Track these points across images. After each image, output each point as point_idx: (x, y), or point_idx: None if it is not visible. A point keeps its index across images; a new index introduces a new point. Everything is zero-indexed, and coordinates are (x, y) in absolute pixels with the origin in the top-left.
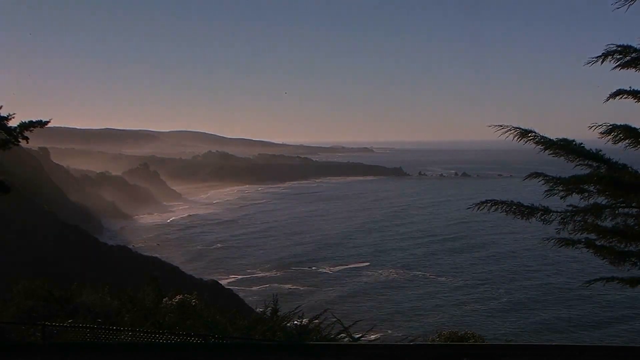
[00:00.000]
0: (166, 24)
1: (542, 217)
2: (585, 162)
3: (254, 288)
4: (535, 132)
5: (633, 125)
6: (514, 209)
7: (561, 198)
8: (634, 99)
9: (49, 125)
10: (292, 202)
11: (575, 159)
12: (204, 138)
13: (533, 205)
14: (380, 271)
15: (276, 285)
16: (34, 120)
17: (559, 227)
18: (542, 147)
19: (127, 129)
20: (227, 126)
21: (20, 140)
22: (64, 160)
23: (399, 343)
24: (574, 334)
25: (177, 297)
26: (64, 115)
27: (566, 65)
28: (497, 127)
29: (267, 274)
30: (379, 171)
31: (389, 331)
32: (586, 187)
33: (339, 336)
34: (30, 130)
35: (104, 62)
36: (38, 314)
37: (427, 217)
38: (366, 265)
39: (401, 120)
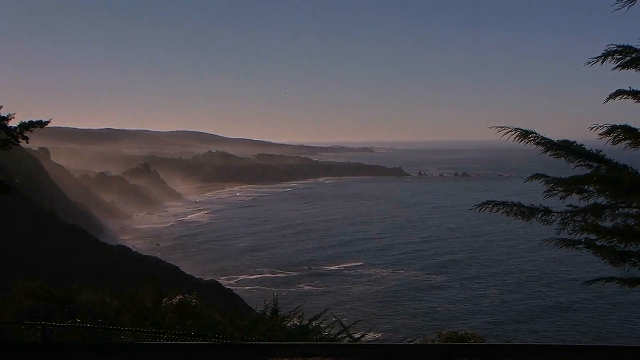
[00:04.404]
0: (166, 24)
1: (543, 218)
2: (586, 163)
3: (254, 288)
4: (535, 133)
5: (633, 126)
6: (515, 209)
7: (561, 198)
8: (634, 99)
9: (49, 125)
10: (293, 202)
11: (576, 159)
12: (204, 138)
13: (533, 205)
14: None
15: (276, 285)
16: (34, 120)
17: (559, 227)
18: (542, 148)
19: (127, 129)
20: (227, 126)
21: (20, 140)
22: (64, 160)
23: (399, 343)
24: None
25: (177, 297)
26: (64, 115)
27: (566, 66)
28: (498, 128)
29: (267, 274)
30: (379, 171)
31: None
32: (586, 187)
33: (339, 336)
34: (30, 130)
35: (104, 62)
36: (38, 314)
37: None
38: (361, 265)
39: (401, 120)
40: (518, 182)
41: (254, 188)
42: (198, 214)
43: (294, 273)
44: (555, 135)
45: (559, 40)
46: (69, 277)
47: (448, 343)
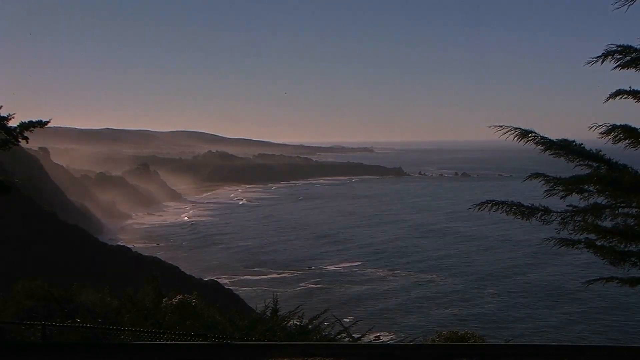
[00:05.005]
0: (166, 24)
1: (542, 218)
2: (586, 163)
3: (254, 288)
4: (535, 133)
5: (633, 125)
6: (514, 209)
7: (561, 198)
8: (634, 99)
9: (49, 125)
10: (292, 202)
11: (576, 159)
12: (204, 138)
13: (533, 205)
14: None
15: (276, 284)
16: (34, 120)
17: (559, 227)
18: (542, 148)
19: (127, 129)
20: (227, 126)
21: (20, 140)
22: (64, 160)
23: (399, 343)
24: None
25: (177, 297)
26: (64, 115)
27: (566, 66)
28: (497, 127)
29: (267, 274)
30: (379, 171)
31: (389, 332)
32: (586, 187)
33: (339, 336)
34: (30, 130)
35: (104, 62)
36: (38, 314)
37: None
38: (360, 264)
39: (401, 120)
40: (518, 182)
41: (254, 188)
42: (198, 213)
43: (294, 273)
44: (555, 135)
45: (559, 40)
46: (69, 277)
47: (448, 343)
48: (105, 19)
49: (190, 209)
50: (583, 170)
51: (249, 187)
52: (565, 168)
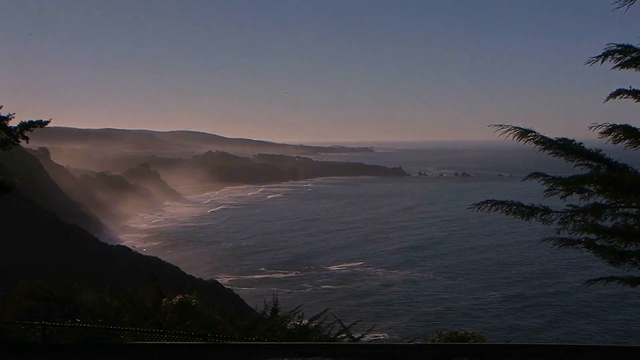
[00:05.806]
0: (166, 24)
1: (542, 217)
2: (585, 162)
3: (254, 288)
4: (535, 132)
5: (633, 125)
6: (514, 209)
7: (561, 198)
8: (634, 98)
9: (49, 125)
10: (292, 202)
11: (575, 158)
12: (204, 138)
13: (533, 205)
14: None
15: (277, 285)
16: (34, 120)
17: (559, 227)
18: (542, 147)
19: (127, 129)
20: (227, 126)
21: (20, 140)
22: (64, 160)
23: (398, 343)
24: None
25: (177, 297)
26: (64, 115)
27: (565, 66)
28: (497, 127)
29: (267, 274)
30: (379, 171)
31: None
32: (586, 187)
33: (339, 336)
34: (30, 130)
35: (104, 62)
36: (38, 314)
37: None
38: (361, 264)
39: (401, 120)
40: (518, 182)
41: (254, 188)
42: (198, 213)
43: (294, 273)
44: (555, 135)
45: (559, 40)
46: (69, 277)
47: (448, 343)
48: (105, 19)
49: (191, 209)
50: (583, 170)
51: (249, 187)
52: (565, 168)
